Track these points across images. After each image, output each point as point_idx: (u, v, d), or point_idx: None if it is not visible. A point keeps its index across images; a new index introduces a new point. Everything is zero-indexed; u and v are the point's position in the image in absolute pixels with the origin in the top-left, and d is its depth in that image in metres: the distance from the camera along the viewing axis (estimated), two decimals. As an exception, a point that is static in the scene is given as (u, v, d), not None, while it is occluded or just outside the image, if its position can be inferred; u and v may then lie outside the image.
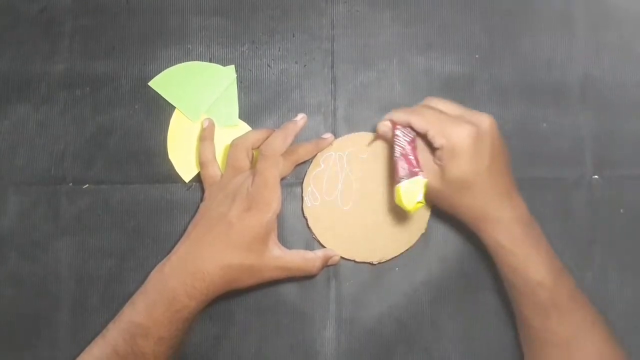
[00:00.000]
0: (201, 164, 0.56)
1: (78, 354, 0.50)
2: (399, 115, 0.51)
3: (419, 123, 0.50)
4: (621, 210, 0.56)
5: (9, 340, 0.56)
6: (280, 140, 0.52)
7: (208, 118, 0.57)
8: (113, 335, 0.49)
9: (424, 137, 0.50)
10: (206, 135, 0.56)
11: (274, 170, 0.51)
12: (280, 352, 0.55)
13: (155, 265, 0.51)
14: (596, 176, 0.57)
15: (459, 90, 0.58)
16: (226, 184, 0.53)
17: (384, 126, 0.52)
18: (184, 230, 0.53)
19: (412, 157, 0.50)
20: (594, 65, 0.58)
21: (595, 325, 0.48)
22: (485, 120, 0.49)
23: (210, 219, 0.51)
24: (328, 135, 0.56)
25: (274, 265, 0.51)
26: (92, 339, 0.50)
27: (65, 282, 0.56)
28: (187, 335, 0.51)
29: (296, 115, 0.55)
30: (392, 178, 0.53)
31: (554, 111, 0.57)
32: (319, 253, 0.54)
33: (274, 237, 0.52)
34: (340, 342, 0.55)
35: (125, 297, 0.51)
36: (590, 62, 0.58)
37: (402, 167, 0.50)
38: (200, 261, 0.50)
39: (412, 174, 0.50)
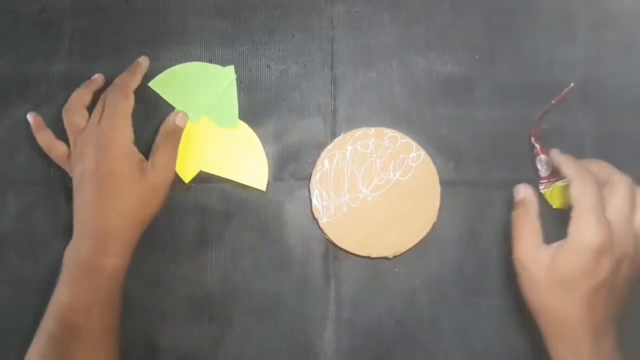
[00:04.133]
0: (46, 150, 0.55)
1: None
2: (564, 160, 0.49)
3: (572, 191, 0.46)
4: (621, 211, 0.56)
5: (8, 340, 0.56)
6: (129, 76, 0.54)
7: (32, 113, 0.56)
8: (45, 322, 0.49)
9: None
10: (37, 127, 0.55)
11: (126, 102, 0.52)
12: (280, 353, 0.55)
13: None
14: (596, 177, 0.57)
15: (459, 91, 0.58)
16: (74, 148, 0.53)
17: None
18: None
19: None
20: (595, 65, 0.58)
21: None
22: (626, 240, 0.45)
23: (79, 187, 0.51)
24: (141, 59, 0.57)
25: (158, 174, 0.52)
26: (92, 339, 0.50)
27: (65, 282, 0.56)
28: (121, 300, 0.51)
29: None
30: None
31: (554, 111, 0.57)
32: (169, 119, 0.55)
33: (137, 157, 0.52)
34: (340, 343, 0.55)
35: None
36: (590, 62, 0.58)
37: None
38: (98, 224, 0.50)
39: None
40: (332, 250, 0.56)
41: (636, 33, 0.59)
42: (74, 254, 0.50)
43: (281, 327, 0.55)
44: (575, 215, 0.45)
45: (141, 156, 0.53)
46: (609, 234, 0.44)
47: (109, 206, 0.50)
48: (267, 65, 0.58)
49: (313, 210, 0.56)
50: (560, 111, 0.57)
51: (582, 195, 0.45)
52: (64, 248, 0.56)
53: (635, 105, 0.58)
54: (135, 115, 0.57)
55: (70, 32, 0.59)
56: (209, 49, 0.59)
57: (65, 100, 0.58)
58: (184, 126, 0.56)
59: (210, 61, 0.58)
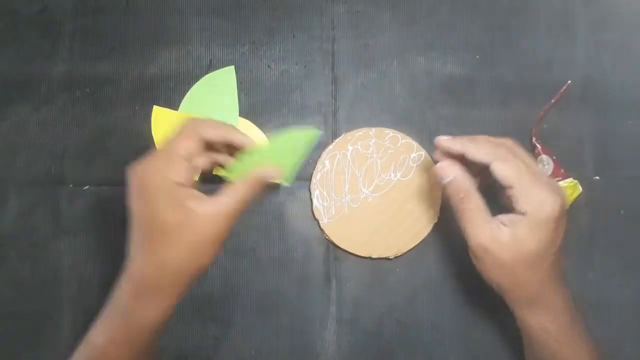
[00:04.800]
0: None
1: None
2: (467, 147, 0.45)
3: (503, 172, 0.44)
4: (621, 211, 0.56)
5: (9, 340, 0.56)
6: (222, 128, 0.46)
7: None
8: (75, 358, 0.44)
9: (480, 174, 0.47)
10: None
11: (184, 141, 0.44)
12: (280, 353, 0.55)
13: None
14: (596, 177, 0.57)
15: (460, 91, 0.58)
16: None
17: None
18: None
19: None
20: (594, 65, 0.58)
21: None
22: (562, 192, 0.44)
23: (132, 225, 0.44)
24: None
25: (217, 220, 0.42)
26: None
27: (65, 283, 0.56)
28: (157, 348, 0.46)
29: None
30: None
31: (554, 111, 0.58)
32: (265, 172, 0.46)
33: (184, 199, 0.42)
34: (341, 343, 0.55)
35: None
36: (590, 62, 0.58)
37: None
38: (138, 271, 0.43)
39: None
40: (332, 250, 0.56)
41: (635, 33, 0.59)
42: (116, 296, 0.44)
43: (282, 327, 0.56)
44: (520, 192, 0.43)
45: (193, 193, 0.43)
46: (561, 197, 0.43)
47: (149, 254, 0.42)
48: (268, 65, 0.58)
49: (314, 210, 0.56)
50: (560, 111, 0.57)
51: (513, 171, 0.43)
52: (64, 248, 0.56)
53: (634, 105, 0.58)
54: (135, 116, 0.58)
55: (71, 33, 0.59)
56: (210, 49, 0.58)
57: (66, 102, 0.58)
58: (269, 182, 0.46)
59: (210, 62, 0.58)
